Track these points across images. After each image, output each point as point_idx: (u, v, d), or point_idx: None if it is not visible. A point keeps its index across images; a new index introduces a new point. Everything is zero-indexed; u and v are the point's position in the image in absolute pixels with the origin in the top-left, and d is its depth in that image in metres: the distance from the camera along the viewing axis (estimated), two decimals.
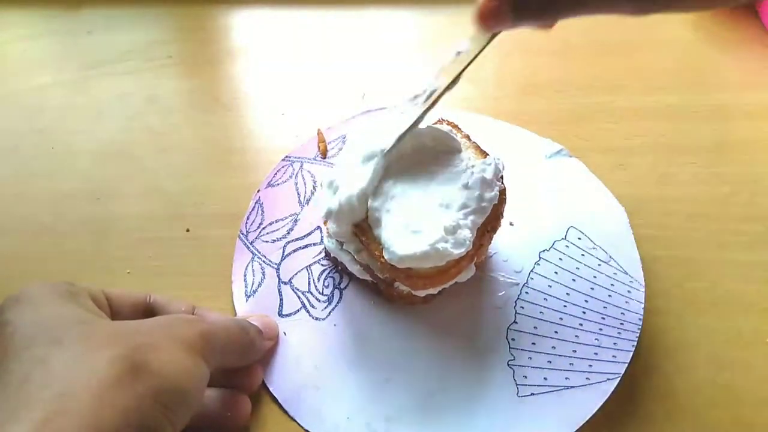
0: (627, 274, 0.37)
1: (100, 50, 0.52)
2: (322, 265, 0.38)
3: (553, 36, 0.52)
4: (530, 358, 0.35)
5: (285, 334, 0.35)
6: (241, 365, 0.32)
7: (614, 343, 0.35)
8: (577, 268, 0.38)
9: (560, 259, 0.39)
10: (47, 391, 0.22)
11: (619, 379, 0.33)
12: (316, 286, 0.37)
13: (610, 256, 0.38)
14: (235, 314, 0.36)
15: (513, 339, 0.36)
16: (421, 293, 0.35)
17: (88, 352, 0.23)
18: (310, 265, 0.38)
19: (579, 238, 0.39)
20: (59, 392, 0.22)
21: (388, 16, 0.56)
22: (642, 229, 0.40)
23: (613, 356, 0.34)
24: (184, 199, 0.42)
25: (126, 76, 0.50)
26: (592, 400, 0.33)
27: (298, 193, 0.41)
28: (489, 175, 0.33)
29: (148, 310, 0.32)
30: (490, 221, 0.34)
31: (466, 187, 0.33)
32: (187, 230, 0.40)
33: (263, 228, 0.40)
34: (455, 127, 0.37)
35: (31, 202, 0.42)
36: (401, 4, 0.56)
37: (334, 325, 0.36)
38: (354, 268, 0.36)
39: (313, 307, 0.37)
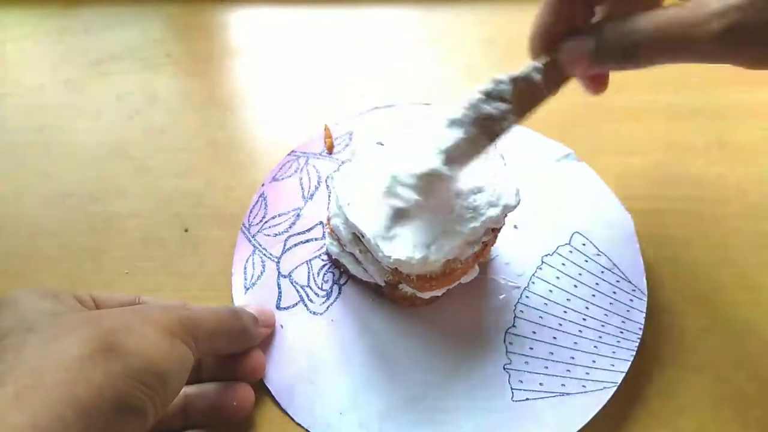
0: (630, 282, 0.37)
1: (98, 49, 0.52)
2: (322, 260, 0.38)
3: None
4: (527, 362, 0.35)
5: (282, 326, 0.35)
6: (235, 351, 0.32)
7: (613, 352, 0.34)
8: (580, 274, 0.38)
9: (563, 264, 0.38)
10: (19, 369, 0.22)
11: (615, 388, 0.33)
12: (315, 281, 0.38)
13: (614, 264, 0.38)
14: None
15: (511, 343, 0.35)
16: (426, 295, 0.35)
17: (61, 335, 0.23)
18: (310, 260, 0.38)
19: (583, 244, 0.39)
20: (32, 369, 0.22)
21: (389, 14, 0.55)
22: (642, 229, 0.40)
23: (611, 365, 0.34)
24: (183, 198, 0.42)
25: (125, 75, 0.50)
26: (587, 408, 0.32)
27: (302, 188, 0.42)
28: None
29: None
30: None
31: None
32: (186, 230, 0.40)
33: (266, 222, 0.40)
34: None
35: (31, 202, 0.42)
36: (402, 2, 0.56)
37: (332, 320, 0.36)
38: (357, 271, 0.36)
39: (311, 301, 0.37)
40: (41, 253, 0.40)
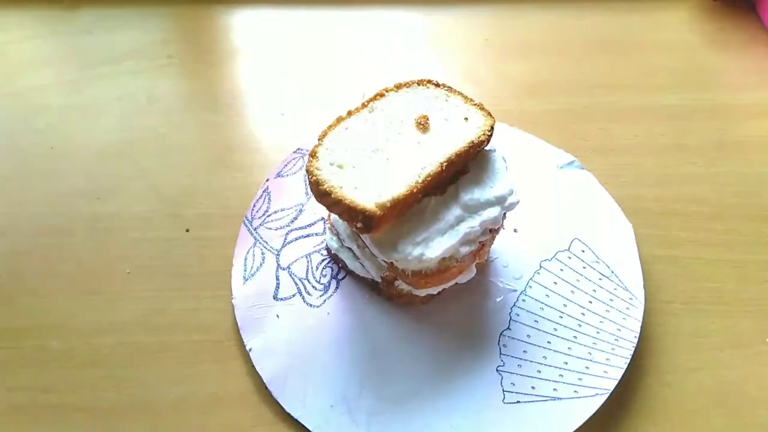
0: (627, 290, 0.37)
1: (100, 50, 0.53)
2: (322, 255, 0.39)
3: (554, 37, 0.53)
4: (520, 365, 0.34)
5: (278, 316, 0.36)
6: None
7: (607, 359, 0.34)
8: (578, 280, 0.38)
9: (561, 269, 0.38)
10: None
11: (608, 395, 0.33)
12: (313, 274, 0.38)
13: (612, 271, 0.38)
14: (232, 298, 0.37)
15: (505, 345, 0.35)
16: (422, 293, 0.35)
17: None
18: (309, 254, 0.39)
19: (582, 251, 0.39)
20: None
21: (389, 15, 0.56)
22: (642, 229, 0.40)
23: (605, 371, 0.34)
24: (184, 199, 0.42)
25: (126, 76, 0.51)
26: (578, 414, 0.32)
27: (306, 185, 0.42)
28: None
29: None
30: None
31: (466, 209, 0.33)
32: (187, 230, 0.41)
33: (268, 216, 0.40)
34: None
35: (31, 202, 0.43)
36: (402, 4, 0.57)
37: (328, 313, 0.36)
38: (355, 266, 0.37)
39: (308, 294, 0.37)
40: (41, 253, 0.40)
